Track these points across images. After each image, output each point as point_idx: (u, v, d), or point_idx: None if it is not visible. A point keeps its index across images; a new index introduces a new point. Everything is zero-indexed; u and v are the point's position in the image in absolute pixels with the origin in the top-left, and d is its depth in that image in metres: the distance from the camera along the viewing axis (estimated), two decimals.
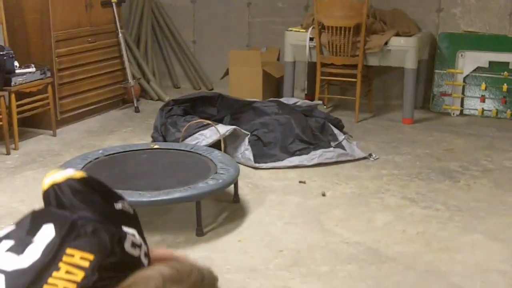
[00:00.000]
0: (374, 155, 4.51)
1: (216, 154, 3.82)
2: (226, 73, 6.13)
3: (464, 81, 5.60)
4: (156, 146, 4.04)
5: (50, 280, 1.05)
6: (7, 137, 4.55)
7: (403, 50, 5.28)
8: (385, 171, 4.25)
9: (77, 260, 1.07)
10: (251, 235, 3.33)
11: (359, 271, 2.94)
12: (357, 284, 2.83)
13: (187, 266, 1.05)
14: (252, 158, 4.27)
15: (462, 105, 5.66)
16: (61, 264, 1.07)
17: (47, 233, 1.12)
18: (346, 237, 3.30)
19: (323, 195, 3.84)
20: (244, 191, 3.82)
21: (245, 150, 4.33)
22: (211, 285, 1.05)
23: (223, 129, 4.34)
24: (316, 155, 4.34)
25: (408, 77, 5.34)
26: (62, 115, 5.20)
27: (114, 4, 5.60)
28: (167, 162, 3.80)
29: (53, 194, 1.21)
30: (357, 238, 3.28)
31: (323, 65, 5.49)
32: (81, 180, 1.23)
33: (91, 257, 1.08)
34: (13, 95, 4.58)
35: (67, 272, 1.06)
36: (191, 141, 4.32)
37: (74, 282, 1.05)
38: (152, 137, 4.73)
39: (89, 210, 1.16)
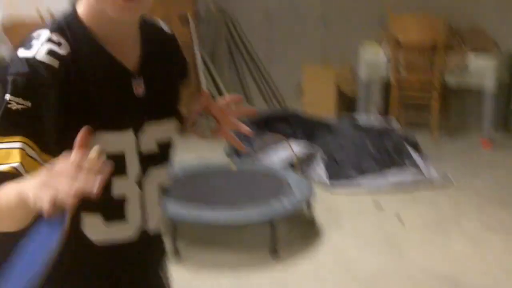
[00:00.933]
0: (452, 179, 4.39)
1: (290, 173, 3.81)
2: (299, 88, 6.12)
3: None
4: (232, 167, 4.03)
5: None
6: None
7: (482, 70, 5.12)
8: (463, 196, 4.13)
9: None
10: (325, 259, 3.28)
11: None
12: None
13: None
14: (326, 177, 4.24)
15: None
16: None
17: None
18: (422, 264, 3.21)
19: (399, 219, 3.76)
20: (318, 212, 3.78)
21: (319, 169, 4.29)
22: None
23: (297, 146, 4.33)
24: (391, 176, 4.26)
25: (487, 97, 5.17)
26: None
27: (191, 21, 5.68)
28: (241, 179, 3.81)
29: None
30: (434, 266, 3.19)
31: (399, 83, 5.39)
32: None
33: None
34: None
35: None
36: (264, 158, 4.33)
37: None
38: (226, 152, 4.76)
39: None
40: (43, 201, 0.87)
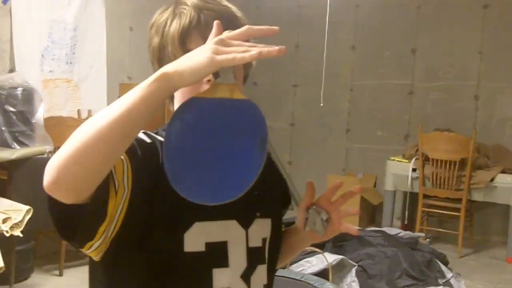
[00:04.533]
0: None
1: (328, 286, 3.76)
2: None
3: None
4: None
5: None
6: None
7: (509, 188, 5.19)
8: None
9: None
10: None
11: None
12: None
13: None
14: None
15: None
16: None
17: None
18: None
19: None
20: None
21: (352, 282, 4.25)
22: None
23: (331, 257, 4.30)
24: None
25: None
26: None
27: None
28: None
29: None
30: None
31: (425, 196, 5.45)
32: None
33: None
34: None
35: None
36: (296, 267, 4.29)
37: None
38: None
39: None
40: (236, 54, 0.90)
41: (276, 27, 0.95)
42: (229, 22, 1.16)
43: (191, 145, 0.94)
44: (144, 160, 1.06)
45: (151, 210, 1.07)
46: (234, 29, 1.14)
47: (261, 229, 1.25)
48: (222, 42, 0.92)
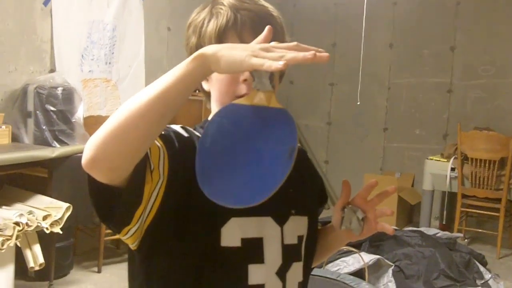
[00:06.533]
0: None
1: (364, 286, 3.74)
2: None
3: None
4: None
5: None
6: None
7: None
8: None
9: None
10: None
11: None
12: None
13: None
14: None
15: None
16: None
17: None
18: None
19: None
20: None
21: (388, 282, 4.22)
22: None
23: (367, 257, 4.28)
24: None
25: None
26: None
27: None
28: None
29: None
30: None
31: (464, 196, 5.37)
32: None
33: None
34: None
35: None
36: (332, 267, 4.28)
37: None
38: None
39: None
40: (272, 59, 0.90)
41: (326, 54, 0.94)
42: (266, 21, 1.16)
43: (223, 149, 0.97)
44: (182, 152, 1.09)
45: (188, 203, 1.09)
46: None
47: (296, 226, 1.25)
48: (265, 48, 0.94)
